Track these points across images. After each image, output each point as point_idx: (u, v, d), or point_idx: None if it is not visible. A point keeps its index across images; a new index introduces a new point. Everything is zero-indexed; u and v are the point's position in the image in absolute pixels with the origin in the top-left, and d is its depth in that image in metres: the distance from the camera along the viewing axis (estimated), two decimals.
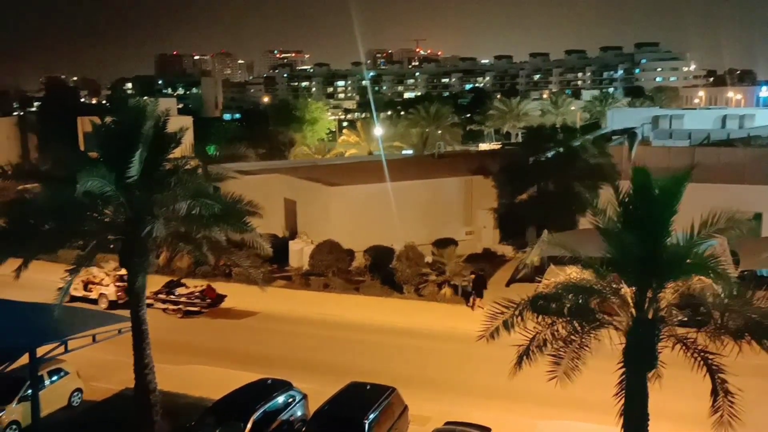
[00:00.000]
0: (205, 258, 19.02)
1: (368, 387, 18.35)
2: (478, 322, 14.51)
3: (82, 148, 36.35)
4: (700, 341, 13.22)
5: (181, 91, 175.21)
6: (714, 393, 12.80)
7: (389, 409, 17.66)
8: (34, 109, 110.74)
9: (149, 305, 21.07)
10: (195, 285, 30.65)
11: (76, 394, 20.66)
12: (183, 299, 29.46)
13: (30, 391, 18.59)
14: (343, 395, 18.05)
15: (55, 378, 20.10)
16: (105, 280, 31.01)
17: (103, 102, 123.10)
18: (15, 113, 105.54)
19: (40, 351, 18.62)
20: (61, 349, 18.97)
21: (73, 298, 28.33)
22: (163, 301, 29.57)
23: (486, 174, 38.81)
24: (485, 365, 21.43)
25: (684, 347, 13.26)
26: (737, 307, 12.66)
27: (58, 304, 16.65)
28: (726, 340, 12.85)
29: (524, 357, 13.83)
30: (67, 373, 20.51)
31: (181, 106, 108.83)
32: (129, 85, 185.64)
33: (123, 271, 27.40)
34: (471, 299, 29.88)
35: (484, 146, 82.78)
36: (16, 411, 18.67)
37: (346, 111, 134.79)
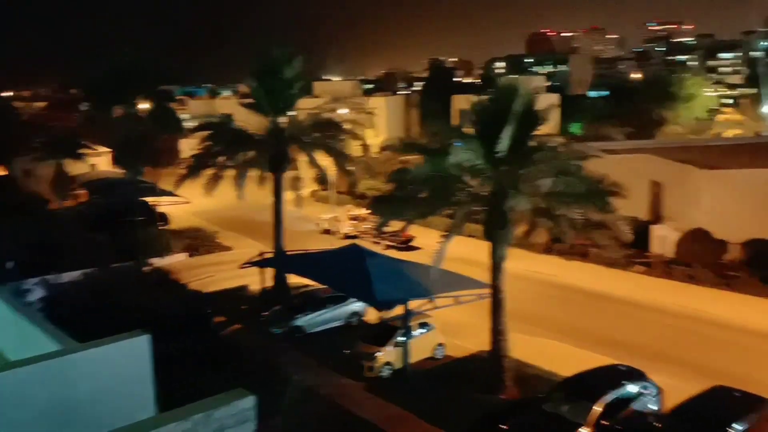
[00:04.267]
0: (564, 235, 19.11)
1: (737, 393, 16.49)
2: None
3: (456, 123, 39.44)
4: None
5: (549, 68, 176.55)
6: None
7: (759, 422, 15.66)
8: (417, 88, 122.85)
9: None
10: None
11: (439, 347, 22.77)
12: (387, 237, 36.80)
13: (403, 338, 21.14)
14: (707, 397, 16.52)
15: (422, 330, 22.41)
16: (342, 219, 41.35)
17: (476, 81, 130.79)
18: (402, 92, 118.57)
19: (413, 305, 21.04)
20: (430, 305, 21.15)
21: (325, 231, 41.08)
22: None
23: None
24: None
25: None
26: None
27: (433, 266, 18.51)
28: None
29: None
30: (432, 328, 22.71)
31: (549, 84, 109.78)
32: (500, 64, 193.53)
33: (356, 212, 42.14)
34: None
35: None
36: (391, 354, 21.38)
37: (731, 87, 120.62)
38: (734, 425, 15.00)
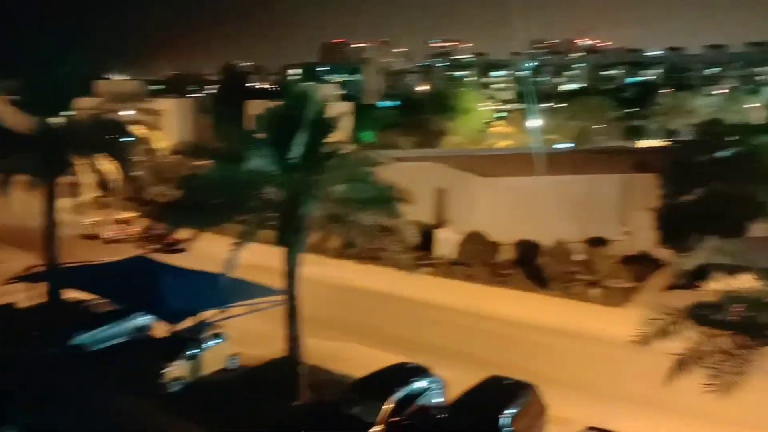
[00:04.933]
0: (356, 240, 19.65)
1: (507, 382, 18.14)
2: (628, 325, 13.85)
3: (250, 129, 39.04)
4: None
5: (343, 77, 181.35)
6: None
7: (527, 406, 17.37)
8: (210, 91, 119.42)
9: None
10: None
11: (232, 358, 22.23)
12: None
13: (193, 351, 20.32)
14: (482, 388, 17.98)
15: (215, 342, 21.73)
16: (107, 223, 41.37)
17: (272, 87, 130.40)
18: (192, 95, 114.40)
19: (205, 316, 20.32)
20: (223, 315, 20.56)
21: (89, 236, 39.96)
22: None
23: (648, 171, 36.69)
24: (634, 371, 20.41)
25: None
26: None
27: (223, 274, 17.98)
28: None
29: (679, 368, 13.04)
30: (225, 338, 22.10)
31: (342, 92, 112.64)
32: (295, 71, 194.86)
33: (123, 215, 41.81)
34: None
35: (646, 143, 78.26)
36: (181, 367, 20.44)
37: (503, 102, 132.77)
38: (506, 411, 16.49)
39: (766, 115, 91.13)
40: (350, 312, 28.55)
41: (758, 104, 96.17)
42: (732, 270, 13.54)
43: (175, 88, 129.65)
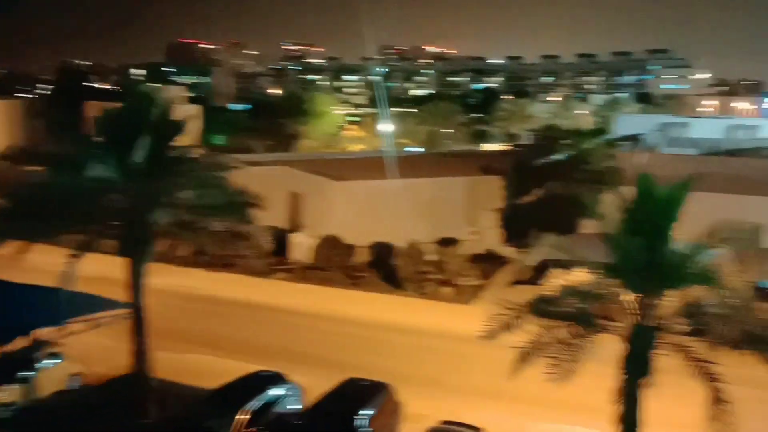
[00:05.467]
0: (207, 247, 19.03)
1: (364, 383, 18.35)
2: (477, 321, 14.48)
3: (88, 133, 36.60)
4: (699, 350, 13.17)
5: (191, 79, 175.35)
6: (710, 402, 12.77)
7: (383, 406, 17.68)
8: (42, 92, 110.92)
9: None
10: None
11: (74, 377, 20.69)
12: None
13: (26, 373, 18.67)
14: (339, 391, 18.07)
15: (52, 362, 20.12)
16: None
17: (112, 88, 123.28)
18: (24, 95, 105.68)
19: (40, 334, 18.75)
20: (60, 332, 19.07)
21: None
22: None
23: (493, 174, 38.75)
24: (482, 365, 21.40)
25: (683, 355, 13.23)
26: (738, 318, 12.61)
27: (60, 288, 16.71)
28: (725, 349, 12.81)
29: (522, 359, 13.81)
30: (64, 358, 20.54)
31: (191, 95, 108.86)
32: (139, 71, 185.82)
33: None
34: None
35: (491, 147, 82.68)
36: (14, 392, 18.71)
37: (355, 106, 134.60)
38: (362, 411, 16.68)
39: (593, 121, 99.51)
40: (203, 322, 27.60)
41: (586, 111, 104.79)
42: (567, 265, 14.56)
43: (2, 88, 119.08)
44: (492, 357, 15.23)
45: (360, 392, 17.85)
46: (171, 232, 18.76)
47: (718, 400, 12.71)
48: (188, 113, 20.03)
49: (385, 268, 33.05)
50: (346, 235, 34.51)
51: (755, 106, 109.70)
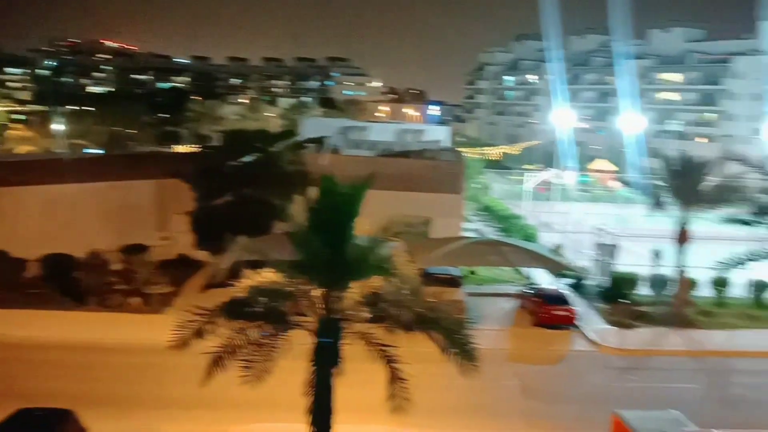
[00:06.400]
0: None
1: (39, 413, 16.36)
2: (168, 331, 13.89)
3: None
4: (380, 335, 14.34)
5: None
6: (389, 381, 14.00)
7: None
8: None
9: None
10: None
11: None
12: None
13: None
14: (9, 424, 15.85)
15: None
16: None
17: None
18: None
19: None
20: None
21: None
22: None
23: (181, 177, 37.53)
24: (177, 375, 20.62)
25: (366, 342, 14.28)
26: (408, 303, 14.01)
27: None
28: (400, 332, 14.14)
29: (216, 364, 13.62)
30: None
31: None
32: None
33: None
34: None
35: (180, 148, 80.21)
36: None
37: (21, 103, 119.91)
38: None
39: (281, 123, 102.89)
40: None
41: (274, 114, 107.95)
42: (257, 265, 14.70)
43: None
44: (186, 365, 14.73)
45: (35, 423, 15.88)
46: None
47: (396, 378, 13.98)
48: None
49: (63, 282, 29.93)
50: (17, 248, 30.52)
51: (419, 113, 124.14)
